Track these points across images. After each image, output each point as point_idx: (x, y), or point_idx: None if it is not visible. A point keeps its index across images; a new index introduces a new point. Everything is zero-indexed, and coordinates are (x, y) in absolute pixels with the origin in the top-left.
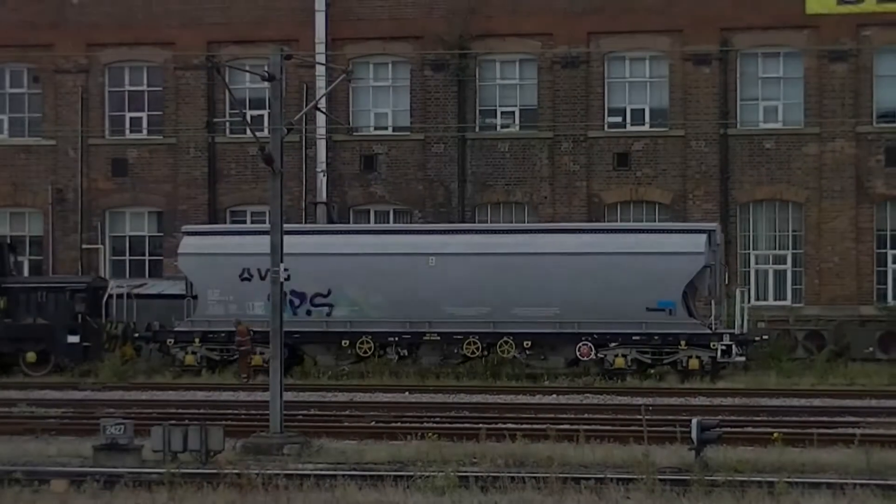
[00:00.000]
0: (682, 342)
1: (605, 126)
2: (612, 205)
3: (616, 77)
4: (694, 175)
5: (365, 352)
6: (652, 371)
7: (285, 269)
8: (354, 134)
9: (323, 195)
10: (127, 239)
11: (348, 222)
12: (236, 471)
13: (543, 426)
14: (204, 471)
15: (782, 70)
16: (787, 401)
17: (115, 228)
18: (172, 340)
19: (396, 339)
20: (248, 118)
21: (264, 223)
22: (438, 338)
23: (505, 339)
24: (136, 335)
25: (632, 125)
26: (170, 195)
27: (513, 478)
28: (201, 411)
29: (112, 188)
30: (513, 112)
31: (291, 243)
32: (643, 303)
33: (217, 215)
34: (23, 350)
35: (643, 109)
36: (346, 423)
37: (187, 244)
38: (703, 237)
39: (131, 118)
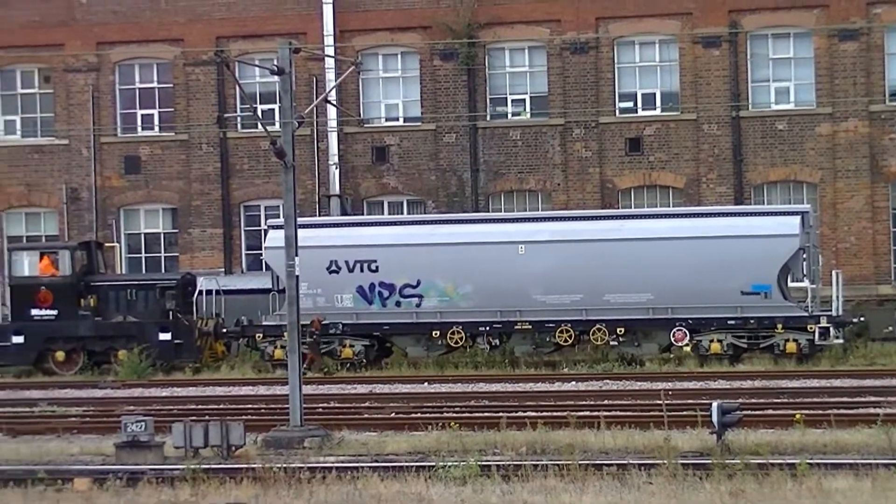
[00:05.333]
0: (779, 325)
1: (617, 111)
2: (626, 190)
3: (626, 62)
4: (707, 158)
5: (456, 342)
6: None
7: (374, 261)
8: (365, 126)
9: (336, 188)
10: (142, 236)
11: (362, 214)
12: (258, 465)
13: (563, 413)
14: (226, 466)
15: (793, 50)
16: (806, 382)
17: (129, 226)
18: (261, 335)
19: (487, 328)
20: (259, 113)
21: (279, 217)
22: (530, 326)
23: (598, 326)
24: (225, 331)
25: (643, 110)
26: (183, 191)
27: (534, 465)
28: (221, 407)
29: (126, 186)
30: (523, 99)
31: (378, 235)
32: (738, 287)
33: (231, 210)
34: (114, 348)
35: (654, 94)
36: (366, 415)
37: (273, 238)
38: (797, 219)
39: (143, 115)
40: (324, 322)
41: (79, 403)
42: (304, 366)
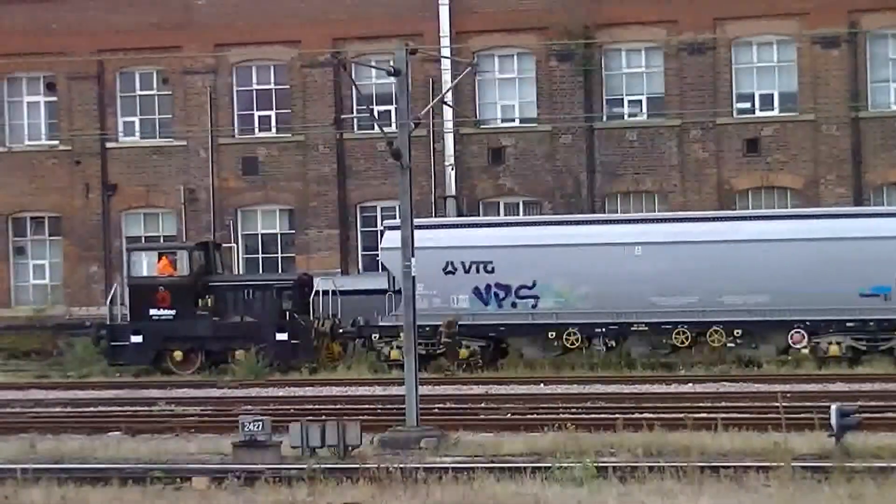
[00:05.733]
0: None
1: (734, 112)
2: (743, 191)
3: (743, 62)
4: (825, 159)
5: (572, 343)
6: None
7: (490, 262)
8: (481, 127)
9: (452, 189)
10: (259, 237)
11: (478, 215)
12: (375, 465)
13: (680, 415)
14: (342, 465)
15: None
16: None
17: (246, 227)
18: (377, 335)
19: (603, 330)
20: (376, 114)
21: (395, 218)
22: (646, 328)
23: (714, 328)
24: (342, 331)
25: (761, 111)
26: (300, 192)
27: (651, 467)
28: (337, 407)
29: (243, 187)
30: (640, 101)
31: (494, 236)
32: (856, 288)
33: (347, 211)
34: (231, 348)
35: (772, 94)
36: (482, 416)
37: (390, 239)
38: None
39: (260, 117)
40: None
41: (197, 403)
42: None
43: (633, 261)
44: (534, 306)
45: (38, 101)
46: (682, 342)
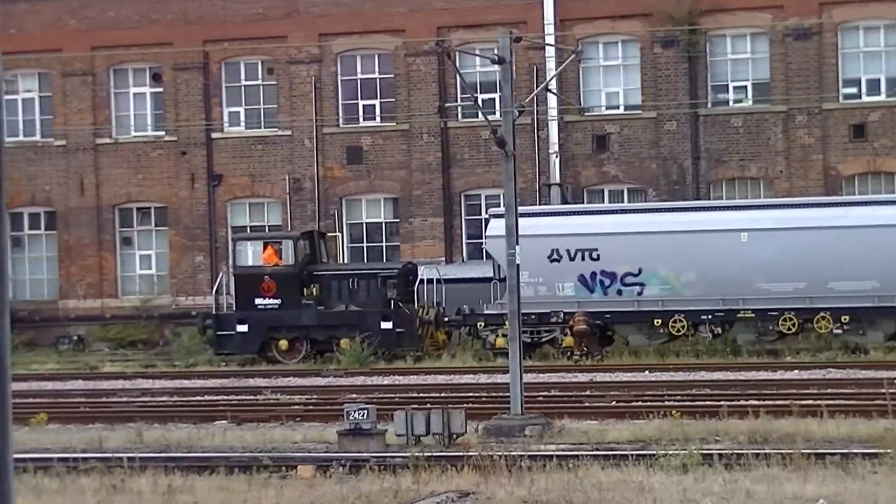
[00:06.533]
0: None
1: (840, 97)
2: (850, 177)
3: (850, 47)
4: None
5: (678, 330)
6: None
7: (595, 250)
8: (586, 114)
9: (556, 176)
10: (363, 226)
11: (582, 203)
12: (479, 453)
13: (786, 402)
14: (447, 454)
15: None
16: None
17: (351, 216)
18: (482, 323)
19: (709, 316)
20: (480, 102)
21: (499, 206)
22: (752, 315)
23: (822, 314)
24: (447, 319)
25: (867, 95)
26: (404, 181)
27: (756, 454)
28: (442, 395)
29: (347, 176)
30: (745, 86)
31: (600, 223)
32: None
33: (451, 200)
34: (336, 337)
35: (879, 79)
36: (586, 403)
37: (494, 227)
38: None
39: (364, 106)
40: (547, 312)
41: (302, 391)
42: (579, 352)
43: (739, 247)
44: (639, 293)
45: (145, 92)
46: (789, 329)
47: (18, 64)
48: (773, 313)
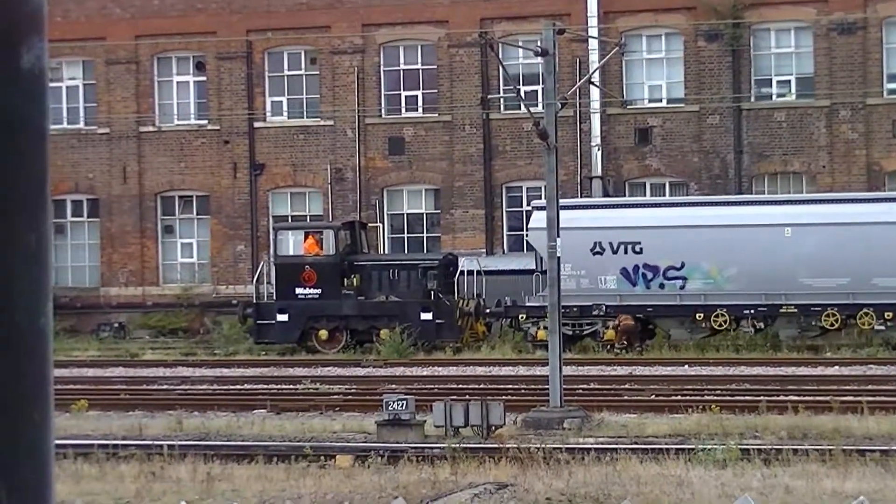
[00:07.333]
0: None
1: (884, 93)
2: (893, 172)
3: (894, 42)
4: None
5: (720, 325)
6: None
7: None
8: (628, 107)
9: (598, 169)
10: (405, 216)
11: (624, 196)
12: (517, 445)
13: (826, 398)
14: (485, 445)
15: None
16: None
17: (392, 206)
18: (524, 315)
19: (752, 311)
20: (522, 94)
21: (541, 198)
22: (795, 310)
23: (865, 310)
24: (489, 311)
25: None
26: (445, 172)
27: (795, 450)
28: (481, 386)
29: (389, 167)
30: (789, 81)
31: (643, 217)
32: None
33: (493, 191)
34: (376, 327)
35: None
36: (625, 397)
37: (537, 219)
38: None
39: (406, 97)
40: (589, 305)
41: (341, 381)
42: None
43: (783, 242)
44: (682, 287)
45: (188, 81)
46: (832, 324)
47: (63, 51)
48: (816, 309)
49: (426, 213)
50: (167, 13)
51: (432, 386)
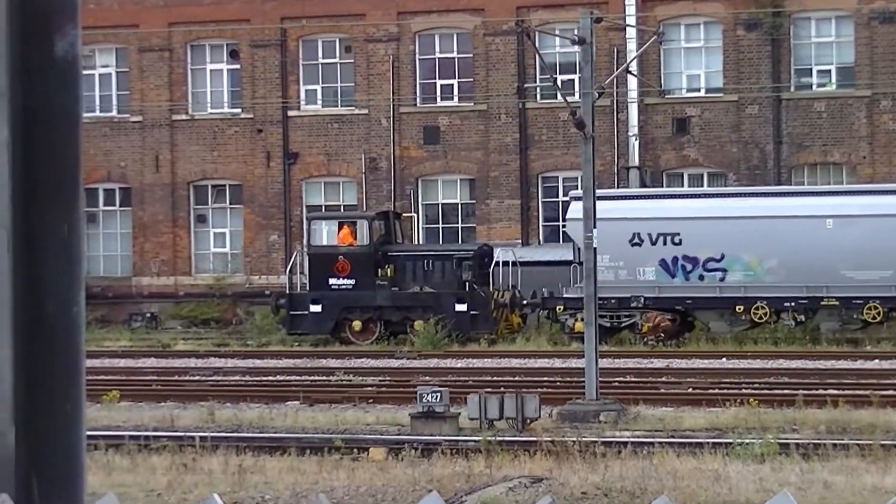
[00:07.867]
0: None
1: None
2: None
3: None
4: None
5: (760, 317)
6: None
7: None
8: (666, 97)
9: (635, 159)
10: (439, 207)
11: (661, 186)
12: (553, 438)
13: (866, 392)
14: (520, 438)
15: None
16: None
17: (427, 196)
18: (562, 307)
19: (792, 304)
20: (559, 83)
21: (577, 189)
22: (836, 302)
23: None
24: (525, 302)
25: None
26: (481, 162)
27: (835, 445)
28: (516, 379)
29: (424, 156)
30: (829, 70)
31: (682, 208)
32: None
33: (528, 182)
34: (410, 318)
35: None
36: (662, 390)
37: (575, 209)
38: None
39: (442, 85)
40: (627, 296)
41: (375, 373)
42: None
43: (824, 233)
44: (722, 279)
45: (221, 69)
46: (874, 317)
47: (96, 38)
48: (858, 301)
49: (461, 204)
50: (201, 1)
51: (467, 378)
